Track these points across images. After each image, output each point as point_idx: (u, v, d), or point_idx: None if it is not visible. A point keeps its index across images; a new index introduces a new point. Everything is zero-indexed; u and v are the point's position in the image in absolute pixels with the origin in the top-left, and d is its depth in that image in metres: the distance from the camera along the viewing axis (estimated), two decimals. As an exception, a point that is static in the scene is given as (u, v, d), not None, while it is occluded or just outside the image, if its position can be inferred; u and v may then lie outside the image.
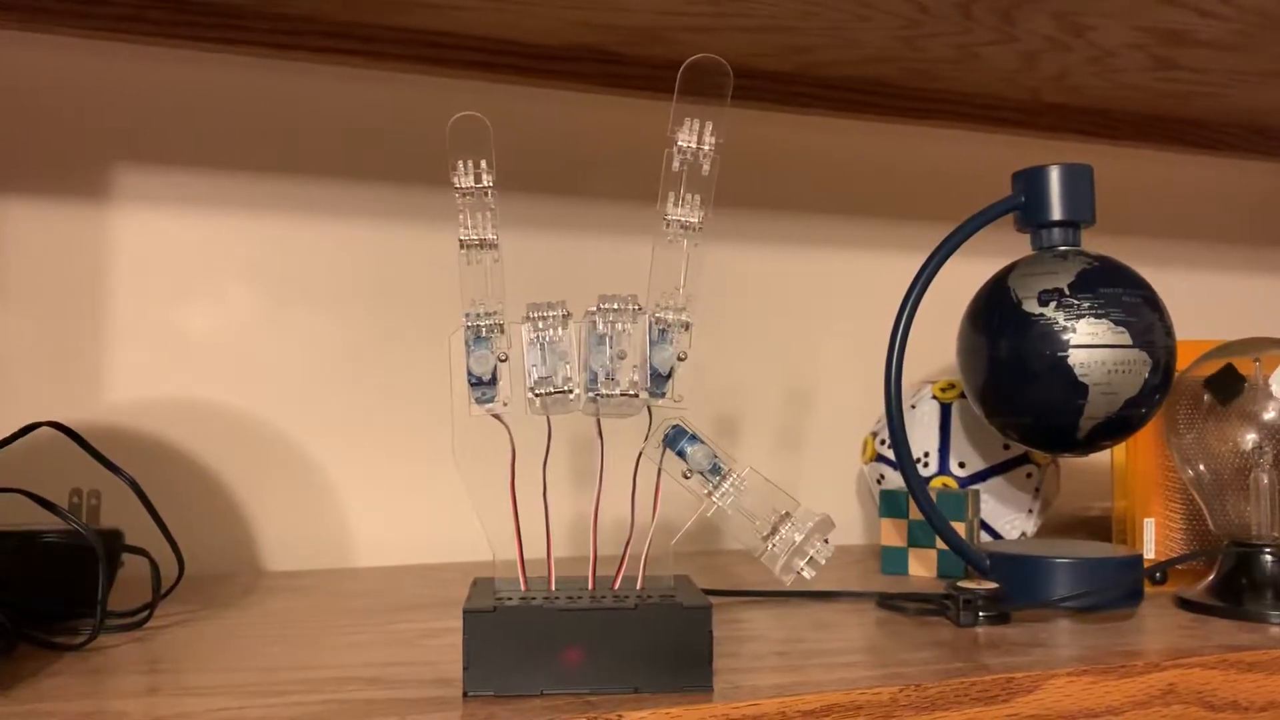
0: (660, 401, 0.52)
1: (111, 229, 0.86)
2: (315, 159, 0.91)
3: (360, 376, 0.92)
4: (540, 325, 0.52)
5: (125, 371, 0.85)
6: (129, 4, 0.81)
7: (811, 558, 0.53)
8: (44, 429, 0.62)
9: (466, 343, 0.51)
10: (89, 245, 0.85)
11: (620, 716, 0.46)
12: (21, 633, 0.57)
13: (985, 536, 0.88)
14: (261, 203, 0.90)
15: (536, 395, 0.52)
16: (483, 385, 0.51)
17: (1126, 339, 0.68)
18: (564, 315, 0.52)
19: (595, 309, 0.52)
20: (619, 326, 0.52)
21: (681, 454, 0.53)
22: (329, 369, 0.91)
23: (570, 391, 0.52)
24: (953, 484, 0.88)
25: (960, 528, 0.80)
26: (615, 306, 0.52)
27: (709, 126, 0.52)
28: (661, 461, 0.53)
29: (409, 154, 0.94)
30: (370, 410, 0.92)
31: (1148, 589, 0.74)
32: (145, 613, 0.63)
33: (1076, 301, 0.69)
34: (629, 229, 1.00)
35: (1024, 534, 0.89)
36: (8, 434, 0.62)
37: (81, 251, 0.85)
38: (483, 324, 0.51)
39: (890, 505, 0.85)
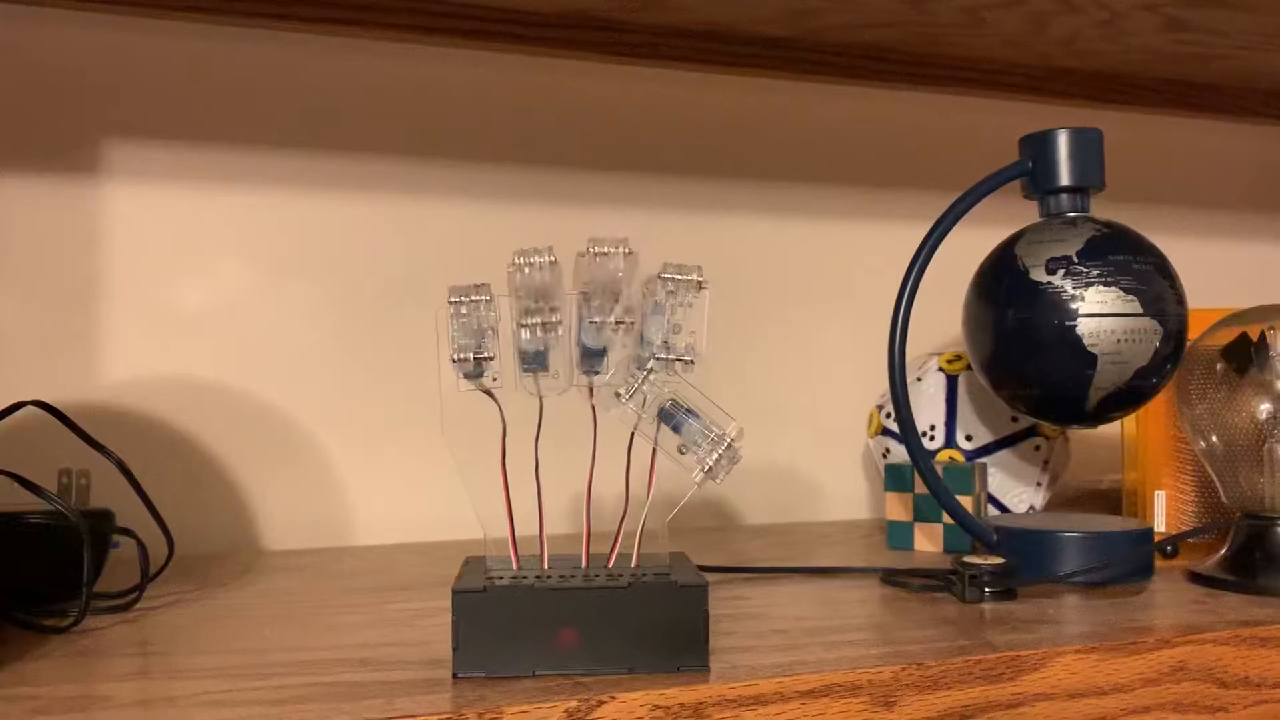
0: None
1: (103, 204, 0.84)
2: (308, 131, 0.90)
3: (357, 353, 0.91)
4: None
5: (119, 350, 0.84)
6: (114, -26, 0.80)
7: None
8: (29, 408, 0.61)
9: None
10: (80, 221, 0.84)
11: (613, 698, 0.45)
12: (6, 614, 0.56)
13: (993, 510, 0.87)
14: (254, 177, 0.88)
15: (527, 371, 0.51)
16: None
17: (1136, 307, 0.66)
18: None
19: (583, 290, 0.51)
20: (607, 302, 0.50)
21: (677, 428, 0.52)
22: (325, 346, 0.90)
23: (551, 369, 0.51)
24: (959, 457, 0.86)
25: (967, 501, 0.79)
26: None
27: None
28: (656, 437, 0.52)
29: (404, 126, 0.92)
30: (368, 388, 0.91)
31: (1158, 563, 0.72)
32: (134, 594, 0.62)
33: (1085, 269, 0.67)
34: (623, 200, 0.98)
35: (1032, 507, 0.87)
36: (-5, 414, 0.61)
37: (72, 227, 0.84)
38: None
39: (895, 479, 0.84)
